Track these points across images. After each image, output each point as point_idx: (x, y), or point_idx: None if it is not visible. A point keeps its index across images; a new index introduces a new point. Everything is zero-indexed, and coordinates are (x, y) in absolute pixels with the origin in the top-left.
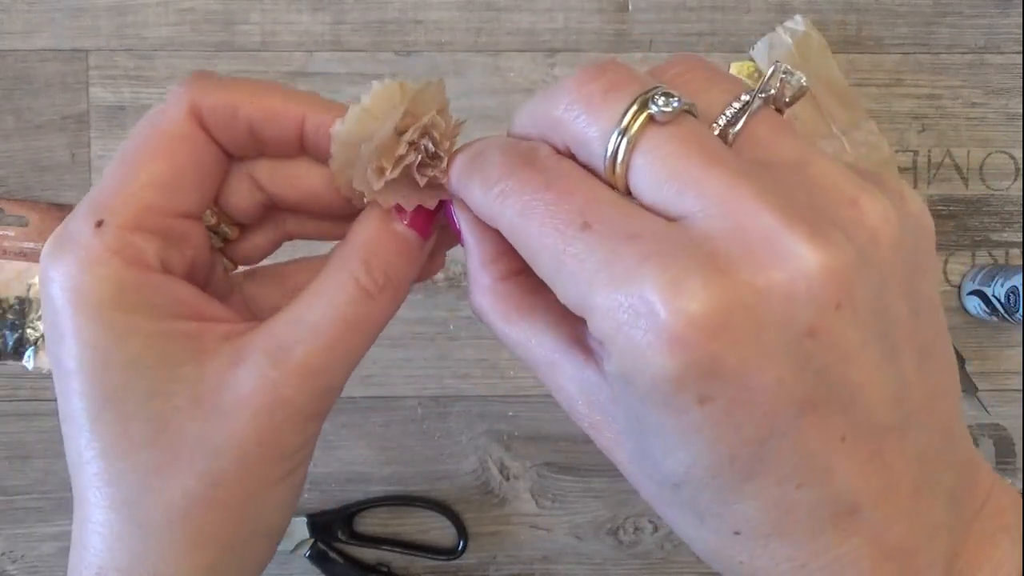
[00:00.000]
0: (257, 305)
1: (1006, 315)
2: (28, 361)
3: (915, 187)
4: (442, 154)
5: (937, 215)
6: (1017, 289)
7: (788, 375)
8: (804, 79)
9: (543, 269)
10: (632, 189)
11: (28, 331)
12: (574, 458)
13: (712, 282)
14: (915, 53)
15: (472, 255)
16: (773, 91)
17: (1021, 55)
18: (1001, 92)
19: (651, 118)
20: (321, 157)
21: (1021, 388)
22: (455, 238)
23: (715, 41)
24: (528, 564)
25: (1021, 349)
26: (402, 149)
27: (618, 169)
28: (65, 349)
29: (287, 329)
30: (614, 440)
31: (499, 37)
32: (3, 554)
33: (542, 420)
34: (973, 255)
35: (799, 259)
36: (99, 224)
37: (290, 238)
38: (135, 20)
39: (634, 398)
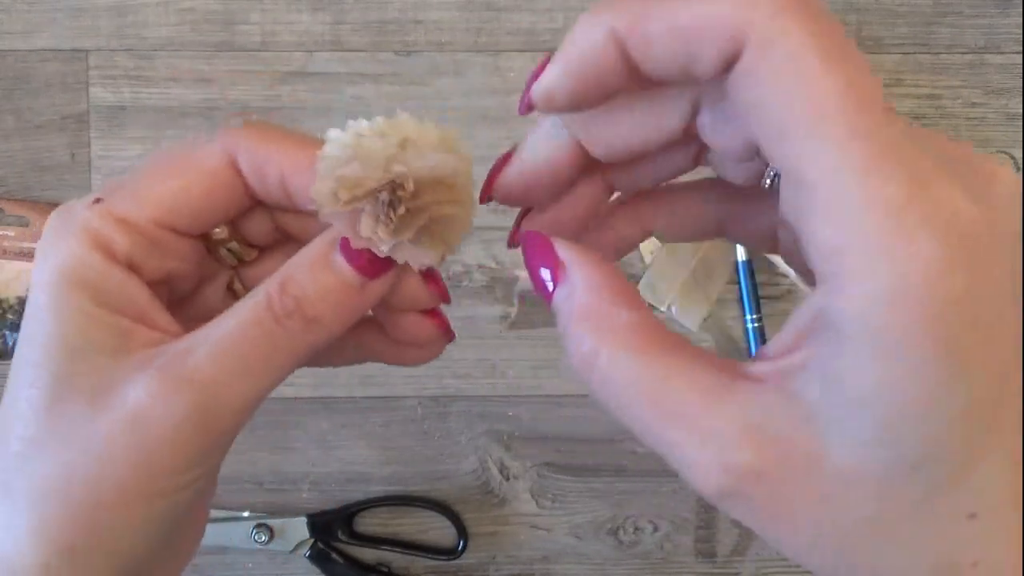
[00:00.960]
0: None
1: None
2: None
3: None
4: (404, 216)
5: None
6: None
7: (1013, 294)
8: None
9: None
10: None
11: None
12: (574, 458)
13: (975, 195)
14: (915, 53)
15: (583, 289)
16: None
17: (1021, 55)
18: (1001, 92)
19: None
20: None
21: (1021, 388)
22: (441, 296)
23: None
24: (528, 564)
25: (1021, 349)
26: (359, 191)
27: None
28: (30, 301)
29: (187, 340)
30: (802, 469)
31: (499, 37)
32: None
33: (542, 420)
34: None
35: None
36: (96, 200)
37: None
38: (135, 20)
39: (879, 345)
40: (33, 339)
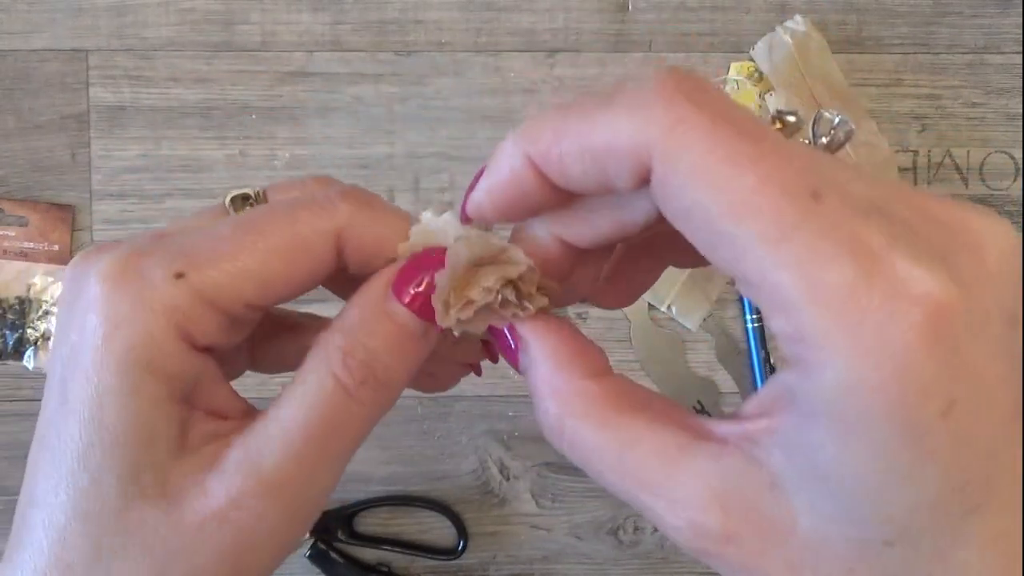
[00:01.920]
0: (263, 349)
1: None
2: (28, 361)
3: (914, 187)
4: (528, 305)
5: None
6: None
7: (1009, 369)
8: (851, 122)
9: (739, 243)
10: None
11: (28, 331)
12: None
13: (948, 271)
14: (915, 53)
15: (541, 360)
16: (826, 139)
17: (1021, 55)
18: (1001, 92)
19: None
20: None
21: (1021, 387)
22: (488, 356)
23: (715, 41)
24: (528, 564)
25: (1020, 348)
26: (476, 295)
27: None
28: (74, 378)
29: (259, 435)
30: (771, 534)
31: (499, 37)
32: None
33: None
34: None
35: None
36: (179, 275)
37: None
38: (135, 20)
39: (844, 428)
40: (100, 433)
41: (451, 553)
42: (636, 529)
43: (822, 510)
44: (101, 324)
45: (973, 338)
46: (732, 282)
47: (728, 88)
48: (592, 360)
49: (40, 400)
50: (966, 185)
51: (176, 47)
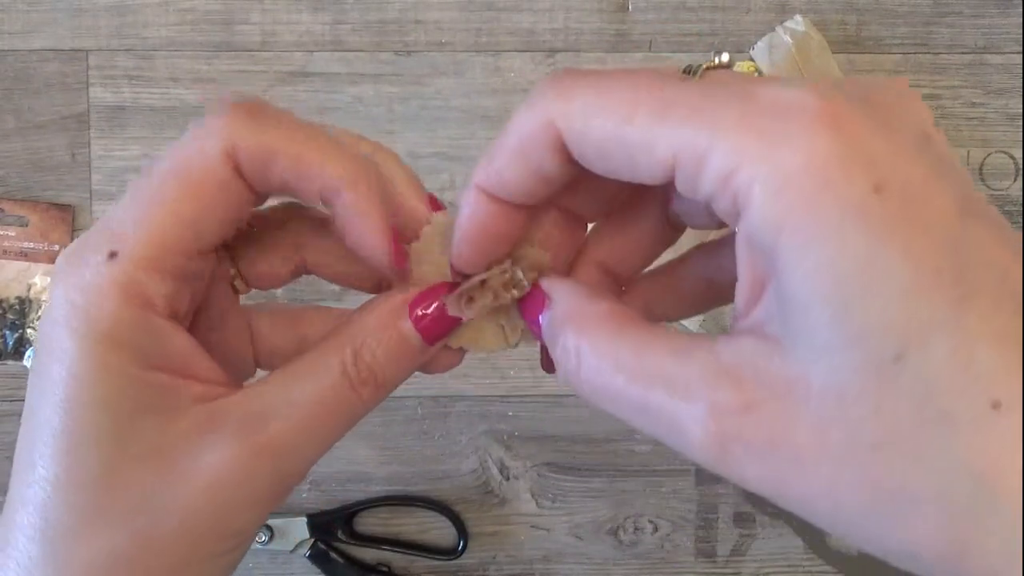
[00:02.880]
0: (264, 344)
1: None
2: (28, 361)
3: None
4: (525, 283)
5: None
6: None
7: (932, 172)
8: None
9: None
10: None
11: (28, 331)
12: (574, 458)
13: (841, 93)
14: (915, 53)
15: (561, 299)
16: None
17: (1021, 55)
18: (1001, 92)
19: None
20: (341, 236)
21: (1020, 388)
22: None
23: (715, 41)
24: (528, 564)
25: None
26: (488, 298)
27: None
28: (47, 367)
29: (265, 402)
30: (789, 398)
31: (499, 37)
32: None
33: (542, 420)
34: None
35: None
36: (112, 255)
37: (308, 271)
38: (135, 20)
39: (798, 238)
40: (72, 410)
41: (451, 553)
42: (636, 529)
43: (822, 347)
44: (60, 311)
45: (881, 136)
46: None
47: None
48: (605, 291)
49: None
50: None
51: (176, 47)
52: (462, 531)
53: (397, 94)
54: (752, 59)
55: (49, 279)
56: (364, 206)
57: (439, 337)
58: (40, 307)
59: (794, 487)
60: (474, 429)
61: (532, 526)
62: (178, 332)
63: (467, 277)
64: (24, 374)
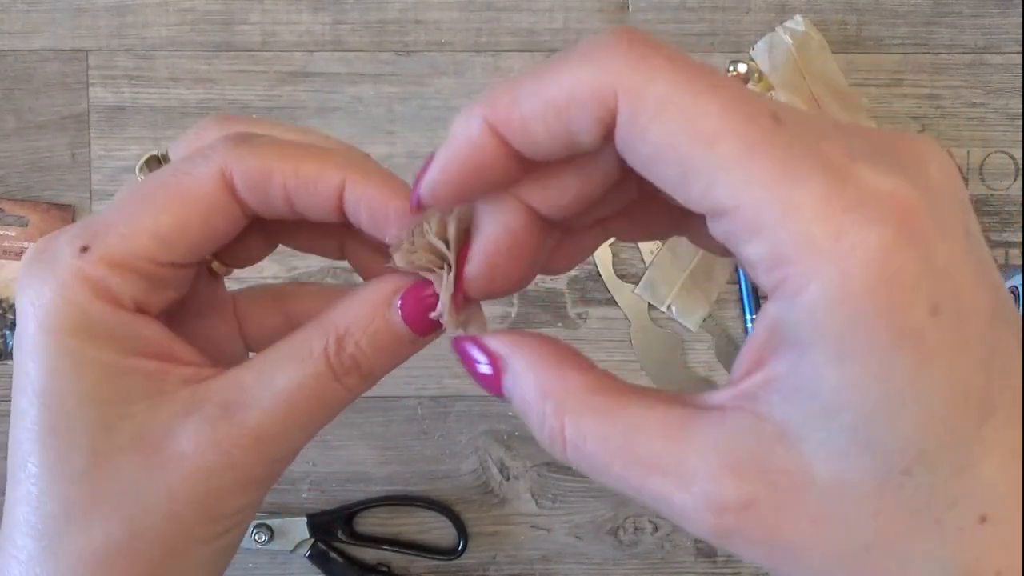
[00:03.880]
0: (251, 325)
1: None
2: None
3: None
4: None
5: None
6: (1017, 289)
7: (976, 280)
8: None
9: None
10: None
11: None
12: None
13: (907, 178)
14: (915, 53)
15: (526, 369)
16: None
17: (1021, 55)
18: (1001, 92)
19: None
20: (358, 223)
21: (1021, 388)
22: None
23: (715, 41)
24: (528, 564)
25: (1020, 349)
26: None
27: None
28: (23, 365)
29: (246, 387)
30: (790, 491)
31: (499, 37)
32: None
33: None
34: None
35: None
36: (83, 249)
37: (284, 243)
38: (135, 20)
39: (839, 347)
40: (52, 404)
41: (451, 553)
42: (636, 529)
43: (835, 449)
44: (30, 308)
45: (942, 239)
46: (732, 281)
47: None
48: (574, 359)
49: None
50: (966, 185)
51: (176, 47)
52: (462, 531)
53: (397, 94)
54: (752, 59)
55: None
56: (372, 180)
57: (427, 329)
58: None
59: (789, 573)
60: (474, 429)
61: (532, 526)
62: (148, 323)
63: (420, 211)
64: None
